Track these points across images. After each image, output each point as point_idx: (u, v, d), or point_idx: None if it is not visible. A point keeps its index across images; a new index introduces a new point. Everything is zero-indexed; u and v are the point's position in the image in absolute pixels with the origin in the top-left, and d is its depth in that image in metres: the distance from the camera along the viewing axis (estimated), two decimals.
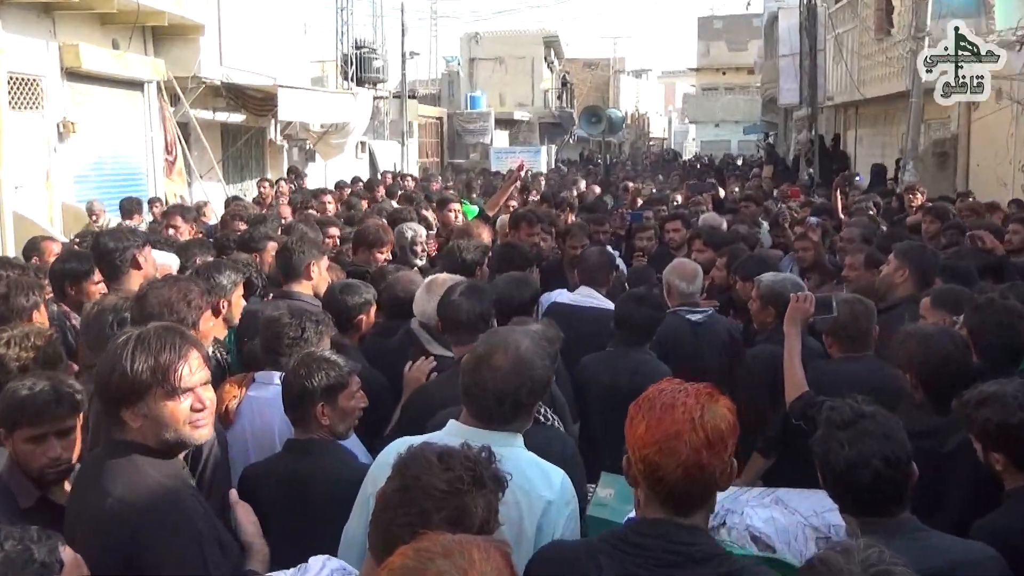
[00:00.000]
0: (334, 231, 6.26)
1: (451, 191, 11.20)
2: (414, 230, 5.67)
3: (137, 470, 1.90)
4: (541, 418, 2.59)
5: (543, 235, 6.13)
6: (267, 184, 11.11)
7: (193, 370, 1.98)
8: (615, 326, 3.90)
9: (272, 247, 4.87)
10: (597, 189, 12.87)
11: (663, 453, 1.64)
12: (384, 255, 5.11)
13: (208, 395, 2.02)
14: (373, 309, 3.76)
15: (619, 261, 6.34)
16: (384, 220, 6.44)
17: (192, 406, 1.98)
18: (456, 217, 7.09)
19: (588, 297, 4.53)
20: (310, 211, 7.37)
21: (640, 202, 9.79)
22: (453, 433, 2.12)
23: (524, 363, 2.15)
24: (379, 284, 4.10)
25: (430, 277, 3.71)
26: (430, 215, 7.70)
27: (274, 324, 3.02)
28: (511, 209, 7.13)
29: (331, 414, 2.62)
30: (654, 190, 12.57)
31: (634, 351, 3.77)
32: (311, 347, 2.86)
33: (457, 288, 3.11)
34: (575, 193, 11.38)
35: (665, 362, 3.84)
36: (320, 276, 4.09)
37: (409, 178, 13.28)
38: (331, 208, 8.25)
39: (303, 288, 4.02)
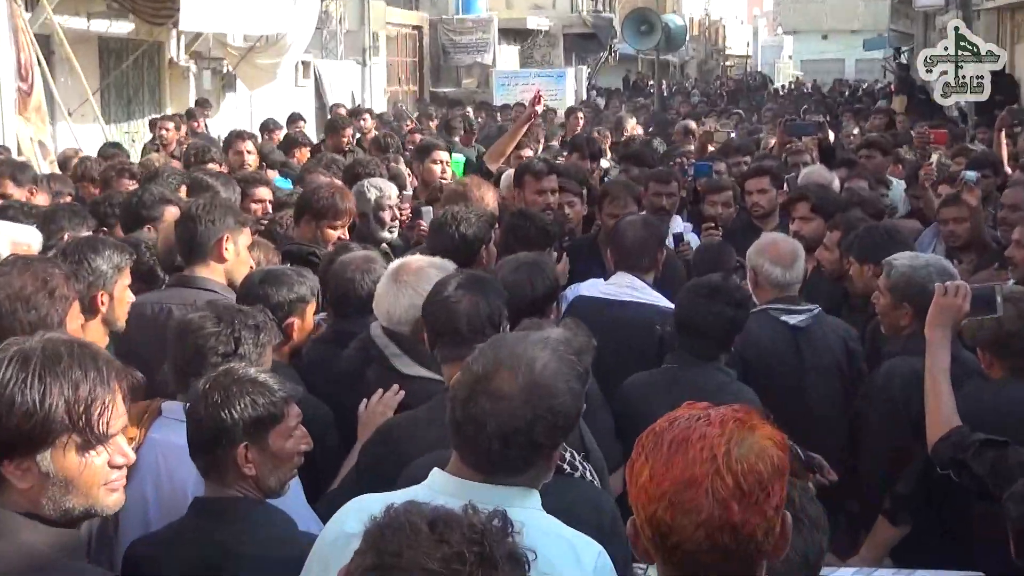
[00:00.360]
0: (263, 192, 6.30)
1: (422, 134, 11.13)
2: (379, 188, 5.69)
3: (25, 551, 1.89)
4: (566, 466, 2.60)
5: (571, 198, 6.13)
6: (170, 125, 11.18)
7: (120, 411, 2.01)
8: (677, 331, 3.91)
9: (172, 215, 4.89)
10: (639, 128, 12.79)
11: (676, 509, 1.66)
12: (339, 231, 5.15)
13: (126, 445, 2.05)
14: (311, 308, 3.78)
15: (690, 235, 6.35)
16: (337, 178, 6.45)
17: (111, 461, 1.99)
18: (444, 171, 7.12)
19: (629, 288, 4.57)
20: (211, 166, 7.34)
21: (711, 149, 9.81)
22: (442, 489, 2.15)
23: (541, 387, 2.15)
24: (329, 270, 4.11)
25: (398, 261, 3.72)
26: (404, 168, 7.71)
27: (194, 333, 3.02)
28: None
29: (258, 460, 2.64)
30: (732, 133, 12.55)
31: (703, 368, 3.78)
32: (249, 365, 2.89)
33: (452, 280, 3.12)
34: (608, 137, 11.31)
35: (750, 384, 3.84)
36: (237, 257, 4.12)
37: (366, 116, 13.19)
38: (251, 162, 8.31)
39: (211, 273, 4.06)
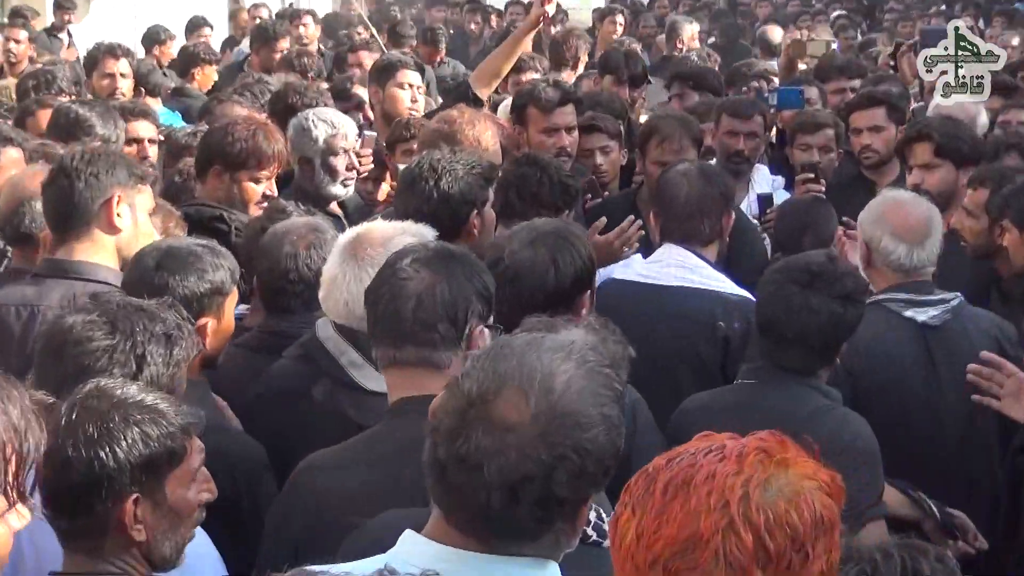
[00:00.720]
0: (140, 128, 6.30)
1: (370, 49, 11.02)
2: (331, 124, 5.66)
3: None
4: (591, 531, 2.60)
5: (605, 141, 6.12)
6: (21, 35, 11.14)
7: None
8: (759, 333, 3.90)
9: (12, 161, 4.91)
10: (693, 35, 12.56)
11: None
12: (264, 185, 5.12)
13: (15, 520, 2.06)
14: (230, 302, 3.78)
15: (783, 194, 6.35)
16: (259, 109, 6.48)
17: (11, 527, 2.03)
18: (414, 100, 7.11)
19: (680, 266, 4.56)
20: (63, 99, 7.19)
21: (801, 68, 9.79)
22: (419, 560, 2.13)
23: (564, 415, 2.13)
24: (255, 246, 4.14)
25: (355, 229, 3.71)
26: (364, 95, 7.66)
27: (75, 346, 3.01)
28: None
29: (150, 519, 2.65)
30: (833, 44, 12.43)
31: (794, 387, 3.77)
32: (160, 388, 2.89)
33: (413, 251, 3.10)
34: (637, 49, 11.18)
35: (860, 411, 3.82)
36: (135, 227, 4.11)
37: (306, 20, 13.10)
38: (125, 89, 8.30)
39: (96, 251, 4.05)
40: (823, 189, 6.14)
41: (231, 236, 4.60)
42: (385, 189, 6.30)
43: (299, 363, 3.63)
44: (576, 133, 6.00)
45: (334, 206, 5.56)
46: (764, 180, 6.48)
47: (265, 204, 4.93)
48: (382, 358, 3.03)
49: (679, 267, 4.57)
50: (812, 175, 6.22)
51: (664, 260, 4.62)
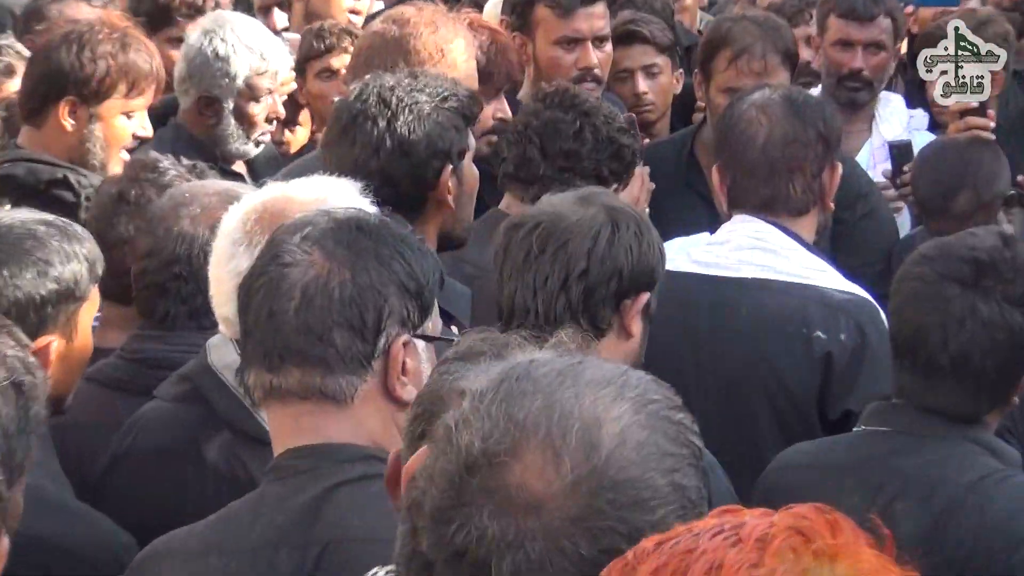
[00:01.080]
0: None
1: None
2: (260, 55, 5.77)
3: None
4: None
5: (652, 58, 6.29)
6: None
7: None
8: (895, 357, 3.87)
9: None
10: None
11: None
12: (138, 119, 5.23)
13: None
14: (87, 310, 3.82)
15: (919, 131, 6.40)
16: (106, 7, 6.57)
17: None
18: None
19: (758, 247, 4.59)
20: None
21: None
22: None
23: (614, 486, 2.06)
24: (112, 222, 4.23)
25: (262, 197, 3.69)
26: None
27: None
28: None
29: None
30: None
31: (950, 439, 3.75)
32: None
33: (308, 224, 3.09)
34: None
35: None
36: None
37: None
38: None
39: None
40: (991, 126, 6.09)
41: (80, 210, 4.66)
42: (301, 136, 6.40)
43: (182, 405, 3.70)
44: (608, 47, 6.08)
45: (240, 167, 5.69)
46: (897, 117, 6.54)
47: (133, 154, 4.98)
48: (255, 386, 3.05)
49: (756, 249, 4.58)
50: (977, 104, 6.15)
51: (734, 240, 4.64)
